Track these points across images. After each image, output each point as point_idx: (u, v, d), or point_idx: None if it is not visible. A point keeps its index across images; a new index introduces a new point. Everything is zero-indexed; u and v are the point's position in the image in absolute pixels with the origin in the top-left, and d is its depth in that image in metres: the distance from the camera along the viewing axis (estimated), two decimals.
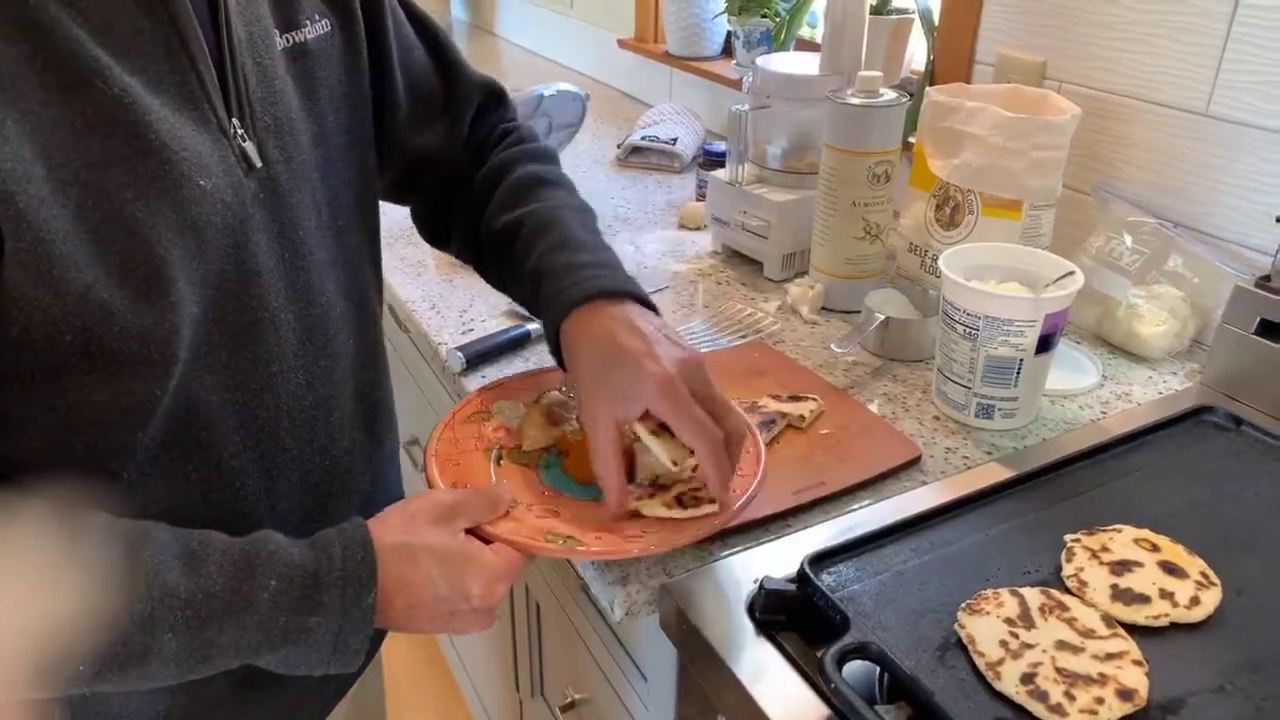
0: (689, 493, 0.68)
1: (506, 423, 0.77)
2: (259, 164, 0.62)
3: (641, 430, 0.67)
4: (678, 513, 0.67)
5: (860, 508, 0.76)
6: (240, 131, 0.60)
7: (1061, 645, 0.58)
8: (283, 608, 0.56)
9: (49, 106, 0.49)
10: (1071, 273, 0.83)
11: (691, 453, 0.66)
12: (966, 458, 0.83)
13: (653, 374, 0.63)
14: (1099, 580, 0.64)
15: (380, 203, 0.79)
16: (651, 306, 0.71)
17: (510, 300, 1.07)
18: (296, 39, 0.66)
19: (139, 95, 0.53)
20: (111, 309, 0.52)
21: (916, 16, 1.28)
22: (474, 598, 0.61)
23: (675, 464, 0.67)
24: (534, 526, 0.66)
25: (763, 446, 0.73)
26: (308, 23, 0.67)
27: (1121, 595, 0.62)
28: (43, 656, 0.50)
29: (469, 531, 0.64)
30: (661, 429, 0.66)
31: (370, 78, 0.76)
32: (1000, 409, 0.85)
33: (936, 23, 1.26)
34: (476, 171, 0.84)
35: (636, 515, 0.68)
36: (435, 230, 0.89)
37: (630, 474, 0.70)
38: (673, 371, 0.63)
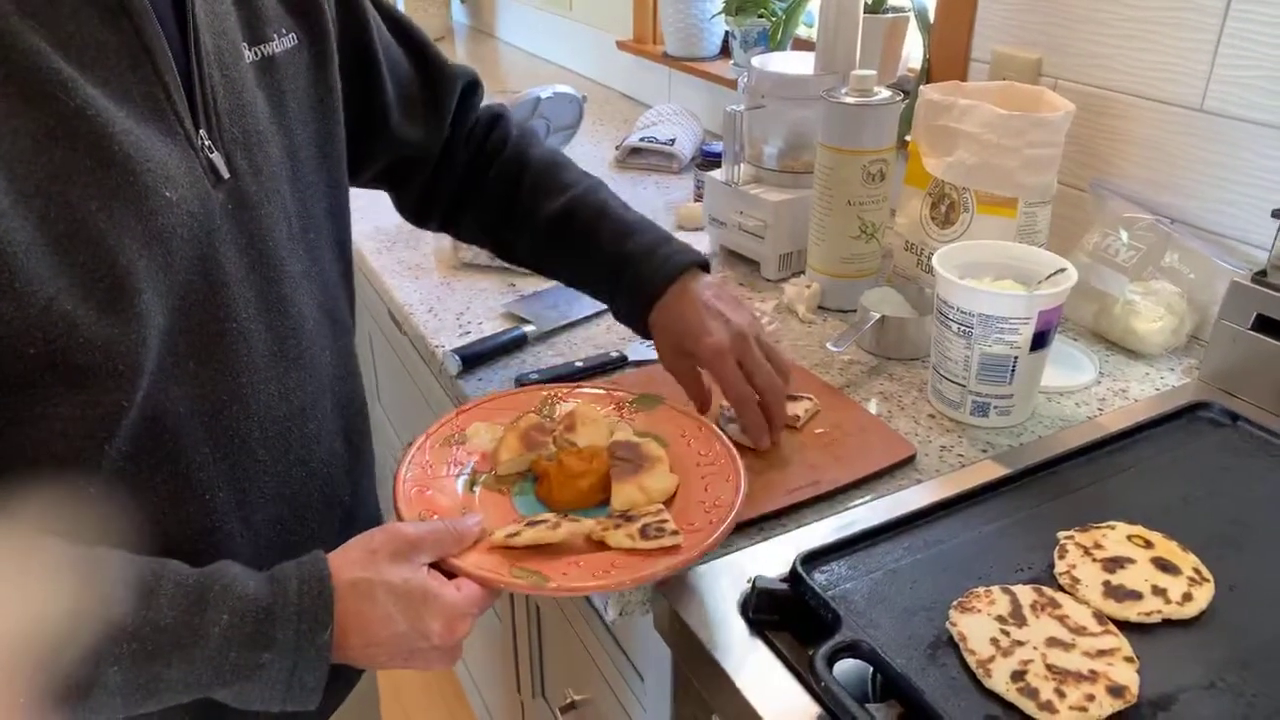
0: (654, 524, 0.66)
1: (481, 446, 0.76)
2: (227, 175, 0.62)
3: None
4: (642, 544, 0.65)
5: (855, 506, 0.76)
6: (208, 143, 0.60)
7: (1052, 642, 0.58)
8: (234, 643, 0.55)
9: (10, 118, 0.50)
10: (1064, 269, 0.83)
11: (669, 499, 0.71)
12: (962, 456, 0.83)
13: (706, 344, 0.77)
14: (1091, 577, 0.63)
15: (352, 215, 0.79)
16: (707, 266, 0.85)
17: (506, 304, 1.08)
18: (264, 52, 0.66)
19: (102, 107, 0.53)
20: (75, 321, 0.52)
21: (912, 15, 1.28)
22: (434, 635, 0.60)
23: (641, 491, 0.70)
24: (501, 559, 0.64)
25: (743, 477, 0.71)
26: (275, 36, 0.67)
27: (1114, 592, 0.62)
28: None
29: (436, 565, 0.62)
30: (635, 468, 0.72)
31: (361, 86, 0.77)
32: (996, 407, 0.85)
33: (932, 20, 1.25)
34: (474, 156, 0.89)
35: (603, 546, 0.66)
36: (423, 213, 0.93)
37: (607, 500, 0.70)
38: (724, 341, 0.77)
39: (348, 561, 0.60)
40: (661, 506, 0.69)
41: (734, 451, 0.73)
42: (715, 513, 0.68)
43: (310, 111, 0.71)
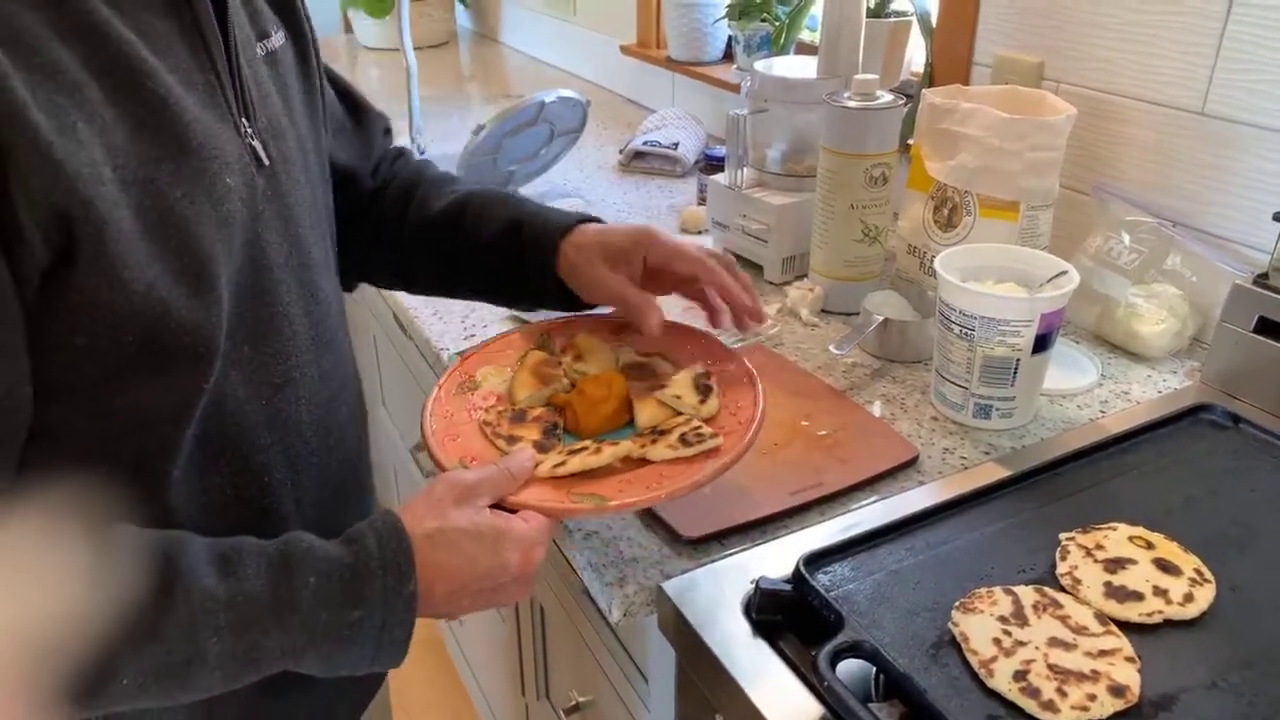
0: (690, 432, 0.68)
1: (494, 389, 0.76)
2: (266, 161, 0.64)
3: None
4: (685, 451, 0.67)
5: (858, 508, 0.77)
6: (249, 130, 0.62)
7: (1054, 642, 0.58)
8: (324, 605, 0.56)
9: (108, 107, 0.51)
10: (1065, 272, 0.83)
11: (701, 396, 0.70)
12: (964, 458, 0.84)
13: (647, 233, 0.77)
14: (1093, 578, 0.64)
15: None
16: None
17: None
18: (268, 47, 0.69)
19: (179, 95, 0.55)
20: (170, 306, 0.54)
21: (914, 19, 1.29)
22: (513, 566, 0.61)
23: (680, 397, 0.70)
24: (555, 490, 0.66)
25: (760, 389, 0.72)
26: (273, 31, 0.70)
27: (1115, 593, 0.63)
28: (81, 672, 0.49)
29: (496, 506, 0.64)
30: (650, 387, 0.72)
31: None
32: (998, 409, 0.86)
33: (934, 24, 1.26)
34: (380, 186, 0.86)
35: (644, 463, 0.67)
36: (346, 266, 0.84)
37: (630, 423, 0.72)
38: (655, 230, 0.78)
39: (417, 515, 0.61)
40: (688, 415, 0.70)
41: (741, 357, 0.75)
42: (742, 413, 0.69)
43: (304, 107, 0.73)
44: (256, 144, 0.63)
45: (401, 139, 1.72)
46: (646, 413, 0.71)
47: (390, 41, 2.48)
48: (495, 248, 0.80)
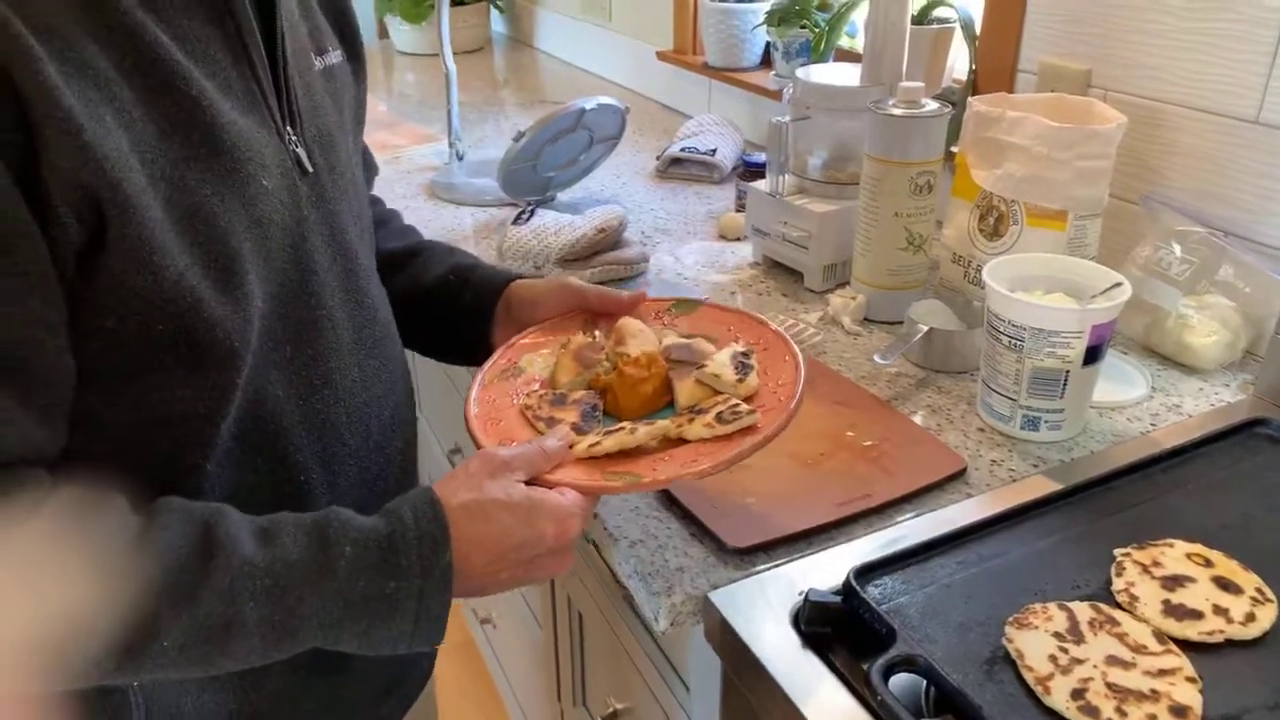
0: (727, 409, 0.68)
1: (537, 374, 0.77)
2: (310, 169, 0.65)
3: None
4: (721, 429, 0.66)
5: (905, 520, 0.76)
6: (293, 138, 0.64)
7: (1112, 661, 0.58)
8: (361, 573, 0.56)
9: (139, 106, 0.53)
10: (1119, 284, 0.82)
11: (739, 374, 0.70)
12: (1012, 470, 0.83)
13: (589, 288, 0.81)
14: (1150, 595, 0.63)
15: None
16: None
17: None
18: (326, 62, 0.71)
19: (214, 98, 0.57)
20: (199, 297, 0.55)
21: (958, 26, 1.28)
22: (549, 537, 0.61)
23: (718, 376, 0.70)
24: (591, 469, 0.66)
25: (800, 357, 0.72)
26: (330, 49, 0.72)
27: (1174, 611, 0.61)
28: (124, 632, 0.51)
29: (532, 483, 0.64)
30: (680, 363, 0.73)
31: None
32: (1046, 421, 0.85)
33: (978, 32, 1.25)
34: None
35: (682, 442, 0.67)
36: None
37: (671, 404, 0.72)
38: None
39: (452, 488, 0.62)
40: (727, 395, 0.70)
41: (784, 335, 0.75)
42: (783, 390, 0.69)
43: (352, 122, 0.76)
44: (301, 151, 0.64)
45: (441, 144, 1.74)
46: (686, 392, 0.71)
47: (426, 47, 2.51)
48: (440, 284, 0.84)
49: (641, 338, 0.76)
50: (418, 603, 0.57)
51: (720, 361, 0.72)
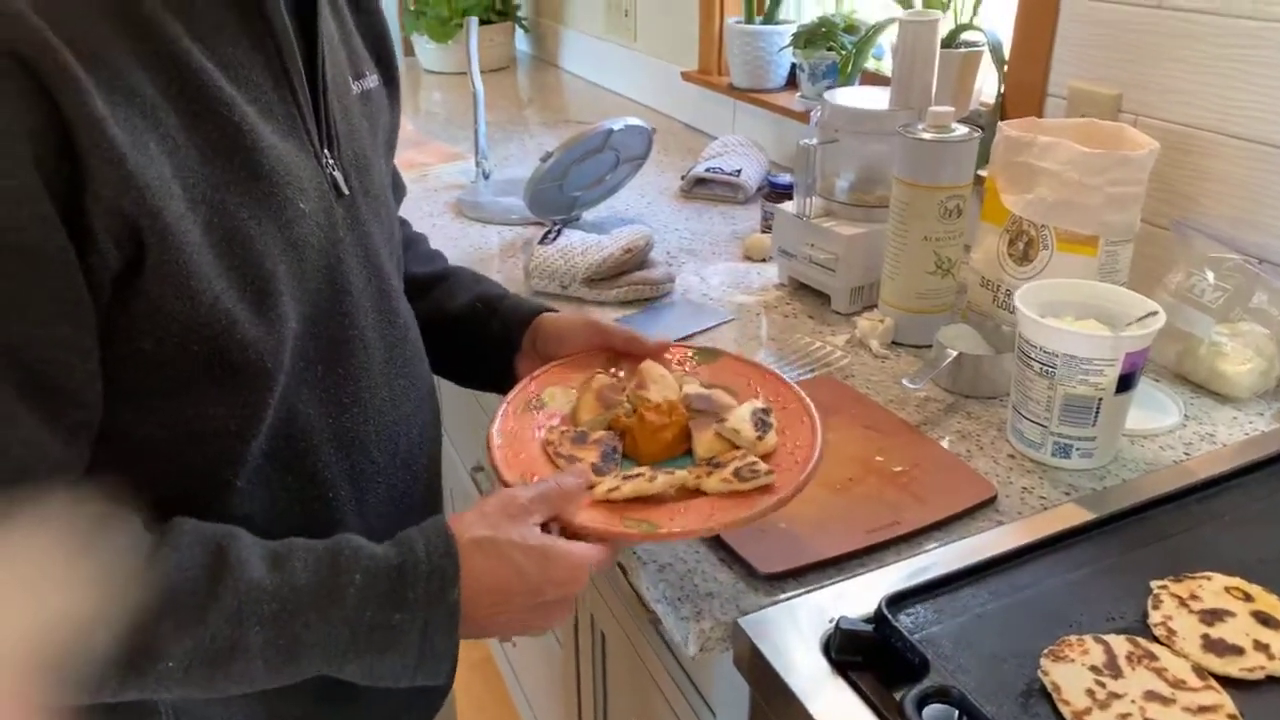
0: (745, 467, 0.68)
1: (559, 409, 0.77)
2: (346, 191, 0.66)
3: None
4: (738, 485, 0.67)
5: (935, 548, 0.75)
6: (330, 161, 0.65)
7: (1151, 696, 0.57)
8: (369, 602, 0.56)
9: (182, 132, 0.54)
10: (1154, 312, 0.81)
11: (759, 432, 0.70)
12: (1043, 498, 0.82)
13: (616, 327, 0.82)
14: (1189, 629, 0.62)
15: None
16: None
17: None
18: (363, 86, 0.72)
19: (254, 123, 0.58)
20: (235, 319, 0.56)
21: (986, 49, 1.28)
22: (560, 583, 0.61)
23: (738, 431, 0.71)
24: (609, 514, 0.66)
25: (818, 421, 0.72)
26: (368, 73, 0.73)
27: (1213, 646, 0.61)
28: (129, 650, 0.51)
29: (547, 526, 0.64)
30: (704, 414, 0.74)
31: None
32: (1078, 449, 0.84)
33: (1007, 55, 1.25)
34: None
35: (699, 494, 0.68)
36: None
37: (689, 452, 0.73)
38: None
39: (467, 523, 0.61)
40: (745, 451, 0.70)
41: (803, 395, 0.75)
42: (799, 453, 0.69)
43: (385, 145, 0.77)
44: (338, 174, 0.65)
45: (467, 163, 1.76)
46: (705, 444, 0.72)
47: (452, 65, 2.53)
48: (466, 312, 0.85)
49: (663, 383, 0.77)
50: (421, 637, 0.57)
51: (740, 417, 0.72)
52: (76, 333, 0.51)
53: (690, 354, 0.82)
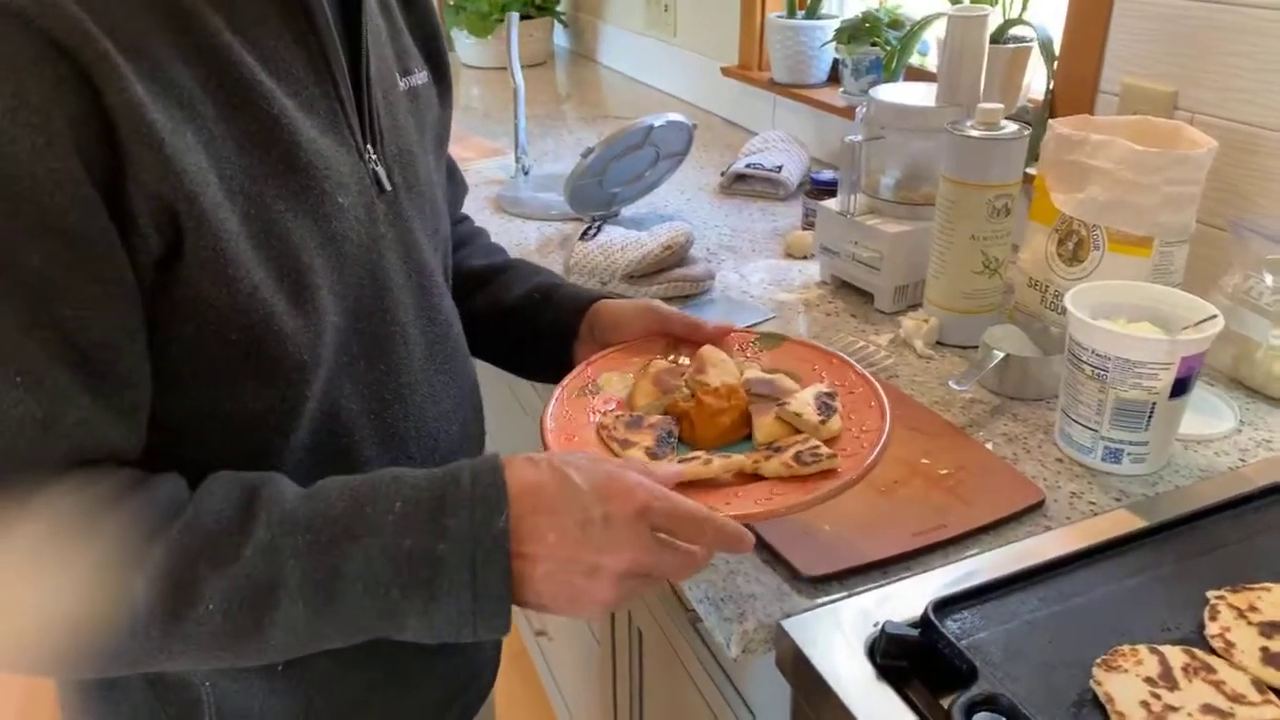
0: (807, 450, 0.66)
1: (615, 394, 0.76)
2: (388, 187, 0.66)
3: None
4: (799, 470, 0.65)
5: (982, 552, 0.74)
6: (373, 156, 0.65)
7: (1209, 710, 0.55)
8: (408, 531, 0.52)
9: (219, 123, 0.54)
10: (1213, 316, 0.79)
11: (821, 415, 0.69)
12: (1093, 503, 0.80)
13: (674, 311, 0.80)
14: (1248, 642, 0.60)
15: None
16: None
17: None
18: (411, 83, 0.72)
19: (293, 116, 0.58)
20: (272, 309, 0.56)
21: (1035, 44, 1.26)
22: (611, 500, 0.54)
23: (800, 415, 0.69)
24: None
25: (886, 403, 0.69)
26: (416, 69, 0.73)
27: (1273, 659, 0.59)
28: (168, 594, 0.50)
29: None
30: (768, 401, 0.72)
31: None
32: (1130, 453, 0.82)
33: (1057, 51, 1.23)
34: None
35: (757, 478, 0.66)
36: None
37: (749, 437, 0.71)
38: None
39: (521, 458, 0.57)
40: (808, 435, 0.68)
41: (870, 378, 0.72)
42: (866, 437, 0.67)
43: (434, 142, 0.77)
44: (380, 170, 0.65)
45: (506, 158, 1.76)
46: (765, 428, 0.70)
47: (491, 60, 2.54)
48: (523, 301, 0.84)
49: (723, 368, 0.75)
50: (471, 573, 0.52)
51: (803, 400, 0.71)
52: (124, 314, 0.52)
53: (753, 339, 0.80)
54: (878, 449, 0.66)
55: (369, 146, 0.65)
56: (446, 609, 0.53)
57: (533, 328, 0.83)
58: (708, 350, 0.77)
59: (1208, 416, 0.91)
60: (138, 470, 0.54)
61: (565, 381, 0.76)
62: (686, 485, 0.65)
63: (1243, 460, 0.86)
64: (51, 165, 0.47)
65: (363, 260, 0.63)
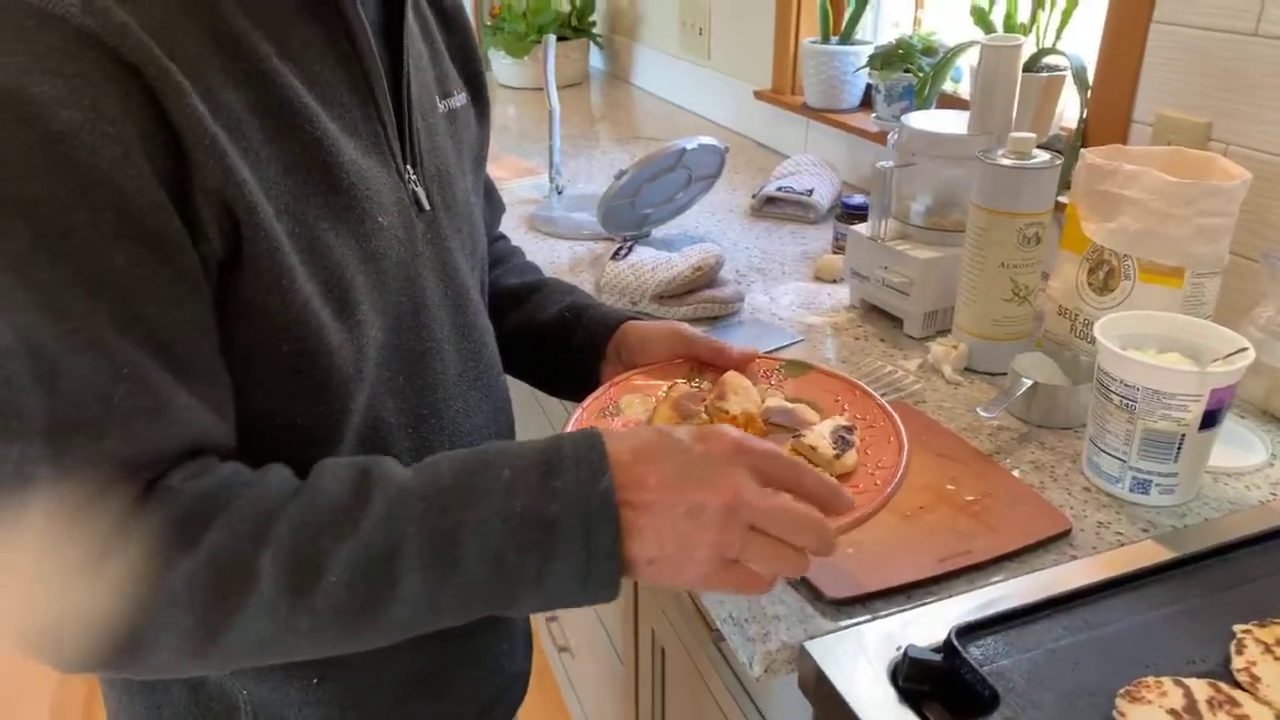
0: None
1: (635, 416, 0.76)
2: (427, 207, 0.68)
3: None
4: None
5: (1006, 579, 0.74)
6: (413, 177, 0.67)
7: None
8: (518, 494, 0.53)
9: (266, 145, 0.56)
10: (1244, 349, 0.79)
11: (836, 450, 0.68)
12: (1120, 534, 0.80)
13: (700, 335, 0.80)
14: (1274, 676, 0.60)
15: None
16: None
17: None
18: (450, 105, 0.74)
19: (336, 138, 0.60)
20: (323, 322, 0.58)
21: (1069, 73, 1.26)
22: (709, 441, 0.55)
23: (815, 449, 0.68)
24: None
25: (904, 438, 0.69)
26: (455, 92, 0.75)
27: None
28: (295, 569, 0.51)
29: None
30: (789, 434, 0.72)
31: None
32: (1158, 485, 0.82)
33: (1091, 80, 1.23)
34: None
35: None
36: None
37: None
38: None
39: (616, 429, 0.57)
40: (822, 469, 0.67)
41: (892, 412, 0.72)
42: (881, 474, 0.67)
43: (472, 163, 0.78)
44: (419, 190, 0.67)
45: (541, 178, 1.79)
46: None
47: (527, 81, 2.58)
48: (555, 321, 0.85)
49: (744, 395, 0.76)
50: (584, 534, 0.52)
51: (819, 433, 0.71)
52: (201, 314, 0.54)
53: (777, 366, 0.81)
54: (892, 486, 0.64)
55: (409, 167, 0.67)
56: (560, 571, 0.53)
57: (563, 347, 0.84)
58: (731, 376, 0.78)
59: (1239, 449, 0.91)
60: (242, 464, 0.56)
61: (586, 402, 0.77)
62: None
63: (1274, 494, 0.85)
64: (129, 173, 0.49)
65: (401, 278, 0.65)
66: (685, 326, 0.81)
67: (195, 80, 0.52)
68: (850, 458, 0.69)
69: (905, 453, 0.68)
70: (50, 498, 0.49)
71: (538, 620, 1.64)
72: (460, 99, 0.76)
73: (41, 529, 0.49)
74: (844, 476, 0.68)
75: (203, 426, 0.54)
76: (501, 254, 0.94)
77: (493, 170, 1.91)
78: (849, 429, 0.72)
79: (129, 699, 0.69)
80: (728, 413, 0.73)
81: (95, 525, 0.50)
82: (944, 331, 1.13)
